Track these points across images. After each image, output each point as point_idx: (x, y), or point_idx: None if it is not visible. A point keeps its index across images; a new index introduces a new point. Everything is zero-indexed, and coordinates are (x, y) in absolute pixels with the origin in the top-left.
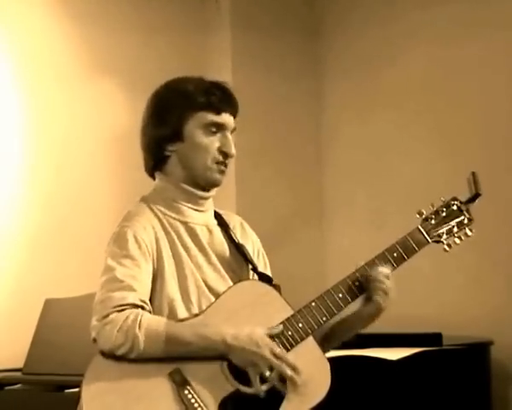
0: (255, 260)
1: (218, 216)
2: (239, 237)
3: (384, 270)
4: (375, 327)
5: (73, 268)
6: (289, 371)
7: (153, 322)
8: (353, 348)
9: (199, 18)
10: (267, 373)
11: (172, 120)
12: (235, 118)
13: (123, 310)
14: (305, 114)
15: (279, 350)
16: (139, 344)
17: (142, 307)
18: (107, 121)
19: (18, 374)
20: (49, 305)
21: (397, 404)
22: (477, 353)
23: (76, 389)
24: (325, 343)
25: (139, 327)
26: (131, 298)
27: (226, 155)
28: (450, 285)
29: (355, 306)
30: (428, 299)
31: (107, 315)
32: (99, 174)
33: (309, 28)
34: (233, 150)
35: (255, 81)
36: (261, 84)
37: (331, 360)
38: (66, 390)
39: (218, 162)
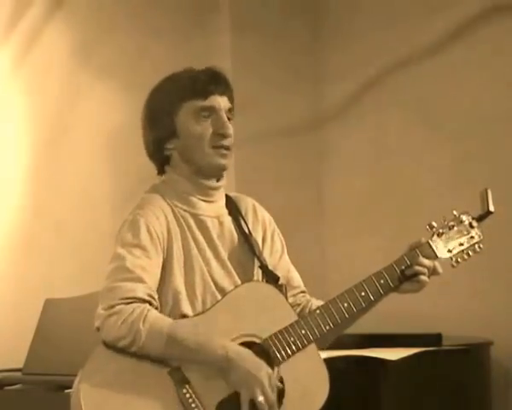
0: (268, 246)
1: (229, 202)
2: (250, 223)
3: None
4: (375, 327)
5: (73, 268)
6: None
7: (158, 321)
8: (353, 348)
9: (198, 19)
10: (260, 398)
11: (163, 118)
12: (229, 98)
13: (130, 303)
14: (306, 115)
15: (275, 382)
16: (140, 339)
17: (150, 303)
18: (106, 123)
19: (18, 374)
20: (49, 305)
21: (397, 404)
22: (477, 353)
23: None
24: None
25: (143, 323)
26: (140, 291)
27: (222, 136)
28: (450, 285)
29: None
30: (428, 299)
31: (114, 306)
32: (97, 173)
33: (309, 29)
34: (229, 130)
35: (255, 82)
36: (261, 84)
37: (331, 360)
38: (66, 390)
39: (215, 146)
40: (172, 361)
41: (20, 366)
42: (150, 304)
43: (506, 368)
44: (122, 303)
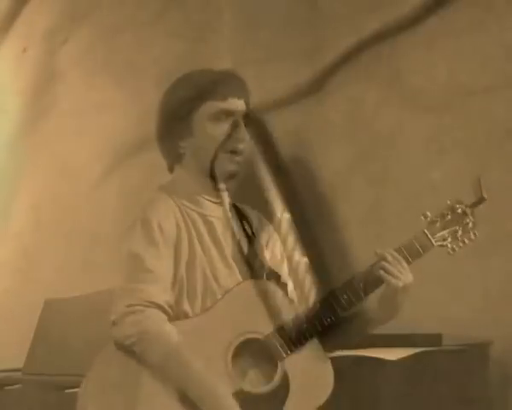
0: (269, 251)
1: (235, 208)
2: (254, 227)
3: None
4: None
5: (73, 268)
6: None
7: (165, 336)
8: (353, 348)
9: (198, 18)
10: None
11: (181, 115)
12: (246, 103)
13: (149, 307)
14: (306, 115)
15: None
16: (142, 344)
17: (166, 312)
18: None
19: (18, 374)
20: (49, 305)
21: (397, 404)
22: (477, 353)
23: (76, 390)
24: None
25: (153, 331)
26: (160, 298)
27: (238, 141)
28: (450, 285)
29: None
30: (428, 299)
31: (134, 305)
32: (98, 174)
33: (310, 28)
34: (245, 135)
35: (255, 81)
36: (261, 84)
37: (331, 359)
38: (66, 390)
39: (229, 151)
40: (166, 380)
41: (20, 366)
42: (166, 313)
43: (505, 368)
44: (142, 305)
